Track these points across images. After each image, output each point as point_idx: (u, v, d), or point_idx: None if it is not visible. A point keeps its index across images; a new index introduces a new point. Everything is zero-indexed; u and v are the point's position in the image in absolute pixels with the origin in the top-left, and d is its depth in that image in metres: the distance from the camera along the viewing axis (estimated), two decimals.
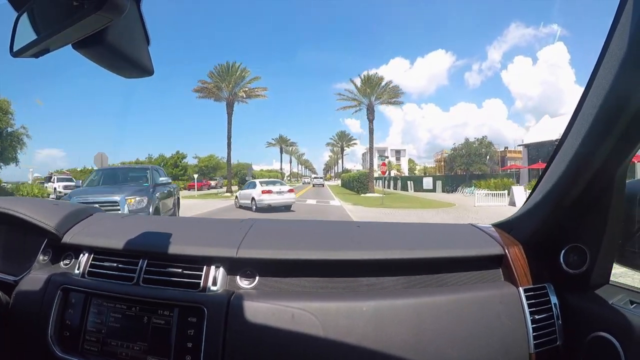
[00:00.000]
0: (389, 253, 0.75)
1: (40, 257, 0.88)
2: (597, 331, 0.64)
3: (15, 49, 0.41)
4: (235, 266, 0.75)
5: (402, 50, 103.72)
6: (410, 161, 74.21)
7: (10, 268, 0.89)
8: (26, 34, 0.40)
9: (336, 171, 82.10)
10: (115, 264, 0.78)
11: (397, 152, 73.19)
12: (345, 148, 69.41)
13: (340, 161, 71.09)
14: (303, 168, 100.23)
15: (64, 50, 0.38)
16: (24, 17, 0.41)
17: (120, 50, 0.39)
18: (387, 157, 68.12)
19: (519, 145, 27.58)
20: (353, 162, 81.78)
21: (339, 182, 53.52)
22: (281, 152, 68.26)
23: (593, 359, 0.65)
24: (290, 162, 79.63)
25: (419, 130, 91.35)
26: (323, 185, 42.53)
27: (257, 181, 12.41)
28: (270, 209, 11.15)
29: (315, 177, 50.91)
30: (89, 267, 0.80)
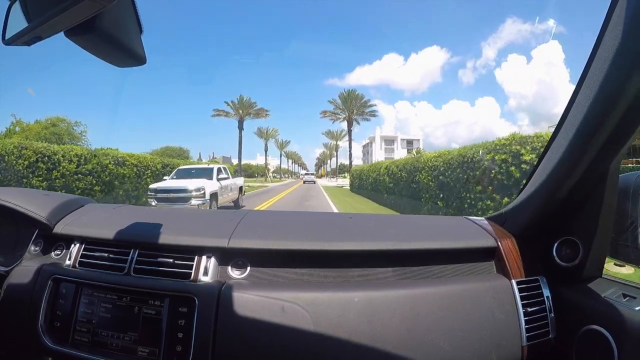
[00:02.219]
0: (381, 244, 0.76)
1: (31, 248, 0.89)
2: (589, 324, 0.65)
3: (7, 37, 0.42)
4: (226, 256, 0.76)
5: (397, 46, 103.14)
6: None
7: (1, 259, 0.90)
8: (18, 22, 0.40)
9: (331, 166, 72.29)
10: (106, 254, 0.79)
11: (409, 143, 61.91)
12: (356, 122, 40.49)
13: (336, 152, 56.53)
14: (291, 163, 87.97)
15: (56, 39, 0.39)
16: (16, 5, 0.41)
17: (113, 38, 0.39)
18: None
19: None
20: (345, 159, 72.40)
21: (340, 181, 41.10)
22: (240, 129, 37.97)
23: (585, 352, 0.66)
24: (266, 151, 57.21)
25: (412, 128, 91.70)
26: (314, 182, 37.47)
27: None
28: None
29: (306, 174, 44.63)
30: (80, 258, 0.81)
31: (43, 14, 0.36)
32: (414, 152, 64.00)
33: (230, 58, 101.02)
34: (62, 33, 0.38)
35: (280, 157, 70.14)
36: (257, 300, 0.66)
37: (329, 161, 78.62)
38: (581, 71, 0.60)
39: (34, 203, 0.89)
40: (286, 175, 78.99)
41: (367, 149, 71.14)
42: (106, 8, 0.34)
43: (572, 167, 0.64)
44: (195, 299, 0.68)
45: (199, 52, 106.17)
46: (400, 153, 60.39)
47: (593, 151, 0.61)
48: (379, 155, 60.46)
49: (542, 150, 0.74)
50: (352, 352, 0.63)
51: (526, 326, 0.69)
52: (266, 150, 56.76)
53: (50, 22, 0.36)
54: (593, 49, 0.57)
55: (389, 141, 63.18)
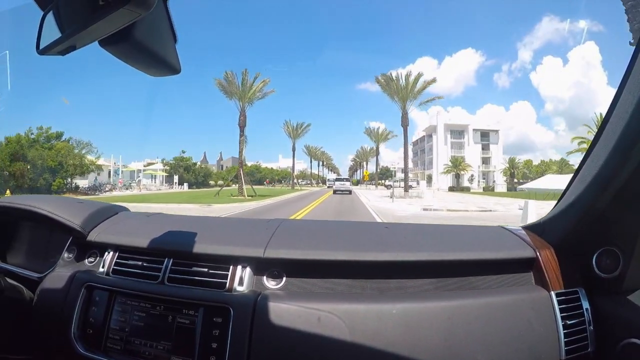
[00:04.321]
0: (418, 255, 0.76)
1: (65, 255, 0.90)
2: (630, 337, 0.63)
3: (41, 46, 0.42)
4: (262, 266, 0.77)
5: (430, 49, 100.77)
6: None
7: (35, 265, 0.92)
8: (52, 32, 0.40)
9: (370, 167, 54.91)
10: (140, 263, 0.80)
11: (484, 136, 44.72)
12: None
13: (405, 129, 27.17)
14: (320, 166, 71.05)
15: (90, 49, 0.40)
16: (50, 15, 0.42)
17: (147, 48, 0.39)
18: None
19: None
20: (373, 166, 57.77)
21: (430, 197, 18.60)
22: None
23: None
24: (242, 128, 22.45)
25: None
26: (350, 192, 25.56)
27: None
28: None
29: (337, 179, 29.77)
30: (114, 266, 0.82)
31: (77, 24, 0.37)
32: (492, 147, 47.61)
33: (263, 67, 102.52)
34: (96, 43, 0.38)
35: (294, 152, 46.00)
36: (294, 310, 0.66)
37: (369, 161, 63.09)
38: (619, 72, 0.60)
39: (68, 211, 0.90)
40: (302, 182, 62.18)
41: (421, 146, 55.41)
42: (141, 17, 0.34)
43: (614, 175, 0.63)
44: (231, 309, 0.68)
45: (232, 61, 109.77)
46: (472, 150, 44.21)
47: (635, 159, 0.59)
48: (442, 151, 45.01)
49: None
50: None
51: (565, 339, 0.68)
52: (242, 128, 22.48)
53: (85, 32, 0.36)
54: (634, 52, 0.56)
55: (457, 133, 47.09)
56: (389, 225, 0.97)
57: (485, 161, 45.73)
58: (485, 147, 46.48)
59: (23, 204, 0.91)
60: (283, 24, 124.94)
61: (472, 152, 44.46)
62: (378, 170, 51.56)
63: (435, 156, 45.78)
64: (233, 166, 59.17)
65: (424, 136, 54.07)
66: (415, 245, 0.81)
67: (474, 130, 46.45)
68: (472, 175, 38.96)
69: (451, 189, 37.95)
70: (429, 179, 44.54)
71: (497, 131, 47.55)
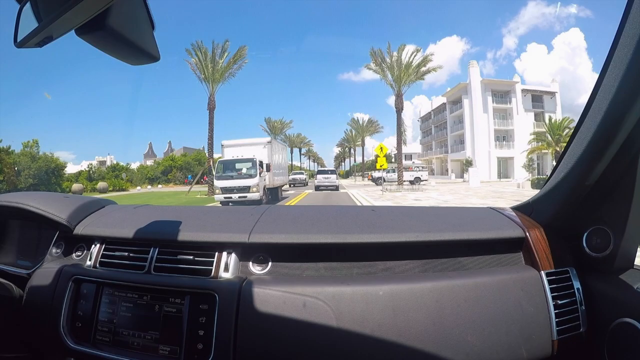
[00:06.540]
0: (405, 236, 0.77)
1: (53, 250, 0.92)
2: (621, 317, 0.64)
3: (19, 39, 0.42)
4: (247, 252, 0.78)
5: (414, 36, 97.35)
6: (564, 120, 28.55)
7: (23, 261, 0.94)
8: (29, 24, 0.40)
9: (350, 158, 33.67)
10: (126, 253, 0.81)
11: (537, 100, 30.80)
12: None
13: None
14: (300, 155, 57.05)
15: (70, 45, 0.38)
16: (27, 7, 0.42)
17: (124, 35, 0.39)
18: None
19: None
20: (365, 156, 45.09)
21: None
22: None
23: (618, 346, 0.65)
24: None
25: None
26: (337, 187, 20.29)
27: None
28: None
29: (320, 171, 23.03)
30: (101, 258, 0.84)
31: (53, 13, 0.36)
32: (545, 117, 33.73)
33: (247, 54, 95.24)
34: (73, 33, 0.38)
35: (211, 113, 18.91)
36: (279, 295, 0.67)
37: (365, 143, 47.00)
38: (604, 57, 0.58)
39: (54, 205, 0.91)
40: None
41: (437, 119, 40.66)
42: (115, 3, 0.34)
43: (601, 153, 0.63)
44: (216, 295, 0.69)
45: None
46: (522, 121, 30.56)
47: (622, 135, 0.59)
48: (480, 120, 31.43)
49: None
50: (376, 347, 0.63)
51: (556, 319, 0.68)
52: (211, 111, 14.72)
53: (60, 20, 0.36)
54: (618, 28, 0.56)
55: (500, 94, 33.54)
56: (376, 208, 0.96)
57: (539, 137, 32.18)
58: (538, 117, 33.32)
59: (9, 201, 0.91)
60: (266, 6, 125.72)
61: (521, 125, 31.11)
62: (401, 150, 23.01)
63: (470, 128, 32.38)
64: (165, 158, 35.77)
65: (442, 105, 39.76)
66: (403, 226, 0.80)
67: (523, 91, 32.87)
68: (530, 161, 25.64)
69: (537, 184, 16.71)
70: (467, 165, 30.54)
71: (553, 94, 34.42)
